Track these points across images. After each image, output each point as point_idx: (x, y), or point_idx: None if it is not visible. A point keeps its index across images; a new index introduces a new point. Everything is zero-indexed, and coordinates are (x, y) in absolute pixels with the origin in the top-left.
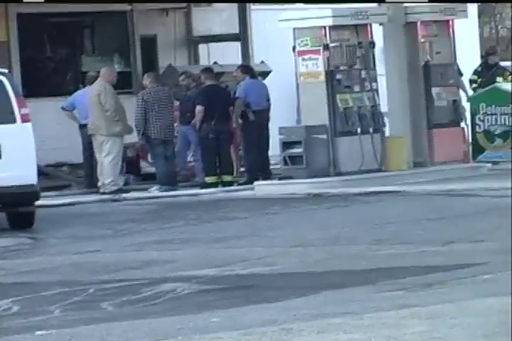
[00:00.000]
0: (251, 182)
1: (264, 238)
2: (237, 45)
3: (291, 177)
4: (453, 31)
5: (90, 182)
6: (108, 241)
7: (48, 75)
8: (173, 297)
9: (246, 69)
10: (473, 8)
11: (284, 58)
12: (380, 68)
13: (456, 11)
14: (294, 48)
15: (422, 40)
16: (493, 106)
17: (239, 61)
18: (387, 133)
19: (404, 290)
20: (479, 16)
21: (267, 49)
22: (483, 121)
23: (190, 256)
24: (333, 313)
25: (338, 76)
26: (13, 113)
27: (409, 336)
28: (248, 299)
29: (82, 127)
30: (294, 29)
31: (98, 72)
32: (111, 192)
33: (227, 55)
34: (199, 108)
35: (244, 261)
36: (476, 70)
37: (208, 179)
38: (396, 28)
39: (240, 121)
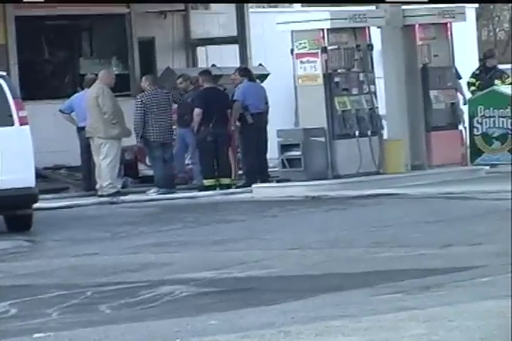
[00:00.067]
0: (249, 185)
1: (262, 241)
2: (235, 48)
3: (289, 180)
4: (451, 34)
5: (88, 185)
6: (106, 243)
7: (46, 78)
8: (171, 299)
9: (244, 71)
10: (471, 11)
11: (282, 61)
12: (378, 71)
13: (454, 14)
14: (292, 51)
15: (420, 42)
16: (492, 108)
17: (237, 64)
18: (385, 136)
19: (403, 293)
20: (477, 19)
21: (265, 52)
22: (481, 123)
23: (188, 259)
24: (332, 316)
25: (336, 79)
26: (11, 115)
27: (408, 339)
28: (246, 302)
29: (80, 130)
30: (292, 32)
31: (96, 74)
32: (109, 195)
33: (225, 58)
34: (197, 111)
35: (242, 264)
36: (474, 73)
37: (206, 182)
38: (394, 30)
39: (238, 123)
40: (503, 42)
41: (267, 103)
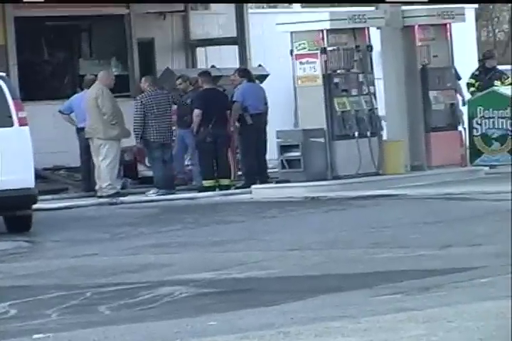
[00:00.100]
0: (248, 186)
1: (261, 241)
2: (234, 49)
3: (288, 181)
4: (450, 35)
5: (88, 186)
6: (105, 244)
7: (45, 79)
8: (171, 300)
9: (244, 72)
10: (470, 12)
11: (282, 62)
12: (378, 72)
13: (453, 15)
14: (291, 52)
15: (420, 43)
16: (491, 109)
17: (236, 64)
18: (384, 137)
19: (402, 294)
20: (477, 20)
21: (264, 52)
22: (480, 124)
23: (187, 260)
24: (331, 317)
25: (336, 79)
26: (10, 116)
27: (407, 339)
28: (245, 302)
29: (80, 131)
30: (292, 33)
31: (96, 75)
32: (108, 196)
33: (224, 59)
34: (197, 111)
35: (242, 265)
36: (473, 74)
37: (206, 182)
38: (393, 31)
39: (238, 124)
40: (502, 43)
41: (266, 104)
